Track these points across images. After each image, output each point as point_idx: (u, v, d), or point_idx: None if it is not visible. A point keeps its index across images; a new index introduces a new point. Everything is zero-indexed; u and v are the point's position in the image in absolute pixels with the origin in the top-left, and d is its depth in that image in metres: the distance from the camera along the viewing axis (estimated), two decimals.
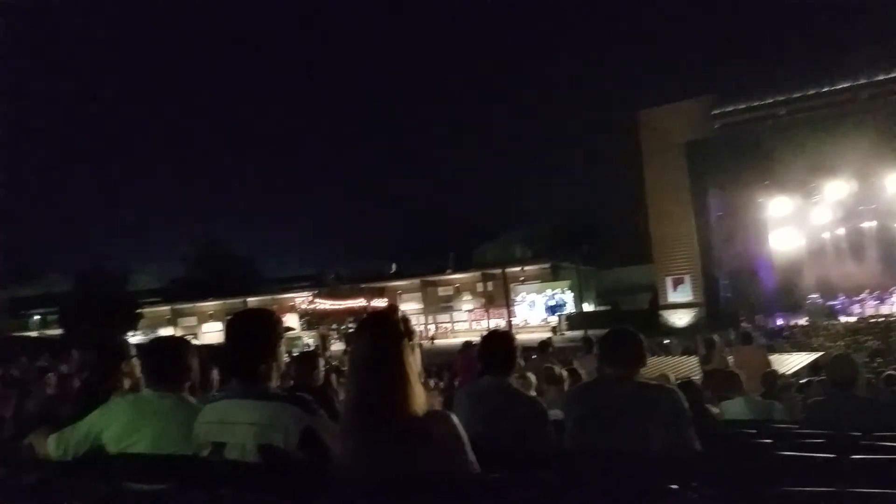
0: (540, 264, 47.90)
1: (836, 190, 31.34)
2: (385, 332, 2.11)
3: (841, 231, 34.34)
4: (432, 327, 48.11)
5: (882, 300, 30.19)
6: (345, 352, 26.26)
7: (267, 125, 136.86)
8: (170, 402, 2.89)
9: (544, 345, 12.06)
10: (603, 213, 60.61)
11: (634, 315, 39.37)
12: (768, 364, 10.30)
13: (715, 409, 6.42)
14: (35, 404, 8.02)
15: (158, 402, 2.89)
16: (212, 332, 48.45)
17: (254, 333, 2.61)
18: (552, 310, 44.69)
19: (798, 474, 2.68)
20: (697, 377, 10.55)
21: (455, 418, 2.10)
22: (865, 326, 26.96)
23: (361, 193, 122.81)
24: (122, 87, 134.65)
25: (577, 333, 31.71)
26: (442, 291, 51.12)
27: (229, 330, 2.63)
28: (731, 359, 11.11)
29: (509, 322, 41.59)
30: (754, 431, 4.51)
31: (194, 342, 3.81)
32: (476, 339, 7.40)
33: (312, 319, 44.21)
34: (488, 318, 45.45)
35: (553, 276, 46.84)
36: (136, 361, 3.76)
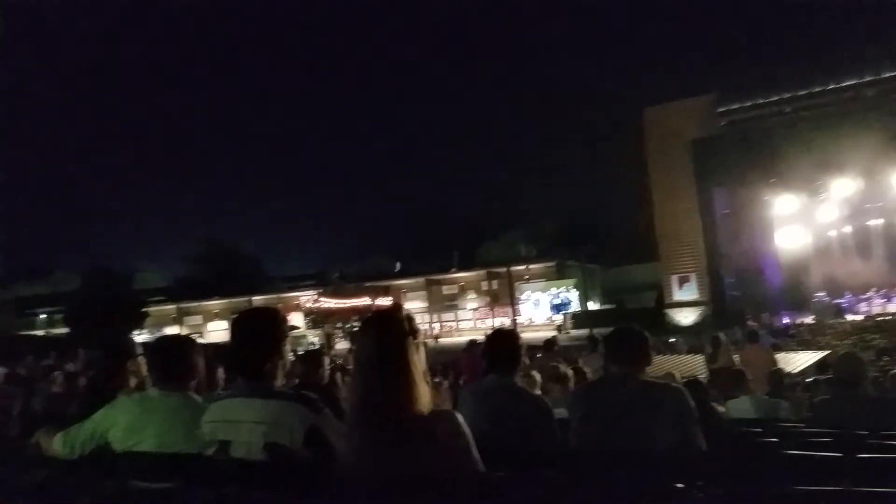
0: (545, 262, 47.83)
1: (843, 188, 31.22)
2: (390, 330, 2.11)
3: (847, 229, 34.23)
4: (437, 326, 48.09)
5: (889, 298, 30.10)
6: (349, 350, 26.27)
7: (271, 124, 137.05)
8: (175, 401, 2.90)
9: (549, 343, 12.07)
10: (608, 212, 60.66)
11: (640, 313, 39.33)
12: (774, 363, 10.27)
13: (721, 408, 6.42)
14: (41, 403, 8.05)
15: (164, 400, 2.90)
16: (217, 331, 48.52)
17: (259, 332, 2.62)
18: (557, 308, 44.61)
19: (804, 473, 2.68)
20: (703, 376, 10.54)
21: (460, 417, 2.10)
22: (872, 325, 26.86)
23: (366, 192, 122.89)
24: (128, 86, 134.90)
25: (583, 332, 31.71)
26: (447, 290, 51.10)
27: (234, 329, 2.63)
28: (736, 357, 11.10)
29: (514, 320, 41.58)
30: (760, 430, 4.49)
31: (200, 341, 3.81)
32: (481, 337, 7.40)
33: (317, 318, 44.20)
34: (493, 317, 45.43)
35: (558, 274, 46.77)
36: (141, 360, 3.78)
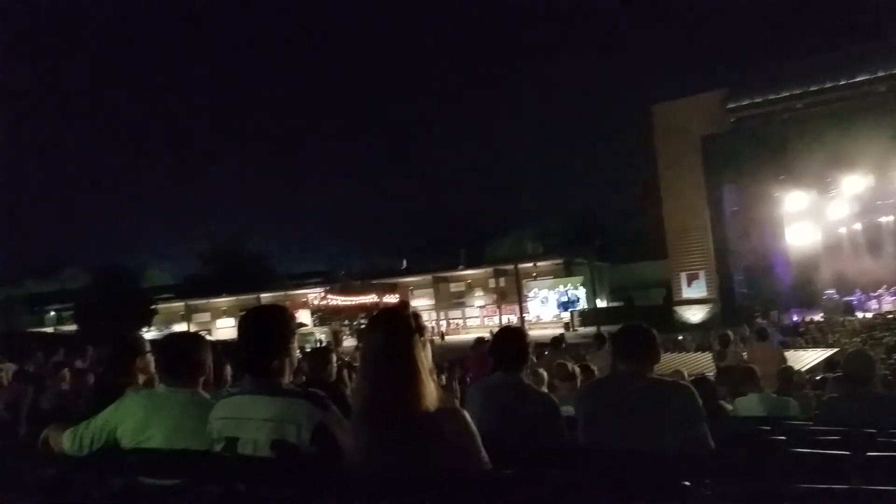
0: (553, 260, 47.76)
1: (853, 184, 31.10)
2: (396, 328, 2.11)
3: (858, 226, 34.14)
4: (444, 323, 48.11)
5: None
6: (356, 348, 26.35)
7: (279, 123, 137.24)
8: (184, 398, 2.90)
9: (557, 341, 12.07)
10: (616, 209, 60.46)
11: (648, 311, 39.24)
12: (784, 360, 10.23)
13: (728, 406, 6.40)
14: (50, 400, 8.07)
15: (172, 397, 2.90)
16: (226, 328, 48.66)
17: (266, 329, 2.62)
18: (565, 306, 44.57)
19: (813, 471, 2.67)
20: (711, 374, 10.51)
21: (466, 414, 2.10)
22: (882, 322, 26.74)
23: (374, 190, 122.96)
24: (136, 84, 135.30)
25: (590, 330, 31.70)
26: (454, 287, 51.13)
27: (242, 326, 2.63)
28: (745, 355, 11.06)
29: (521, 318, 41.54)
30: (768, 428, 4.48)
31: (208, 338, 3.82)
32: (488, 335, 7.38)
33: (324, 315, 44.32)
34: (500, 315, 45.44)
35: (566, 271, 46.71)
36: (150, 357, 3.78)
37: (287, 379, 2.60)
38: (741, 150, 33.29)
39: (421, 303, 47.79)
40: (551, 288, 45.61)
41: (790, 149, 31.40)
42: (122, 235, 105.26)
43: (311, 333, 40.86)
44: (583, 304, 44.50)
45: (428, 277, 51.16)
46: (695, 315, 36.36)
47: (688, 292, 37.23)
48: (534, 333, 4.95)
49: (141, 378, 3.74)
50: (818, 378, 10.97)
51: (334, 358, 5.51)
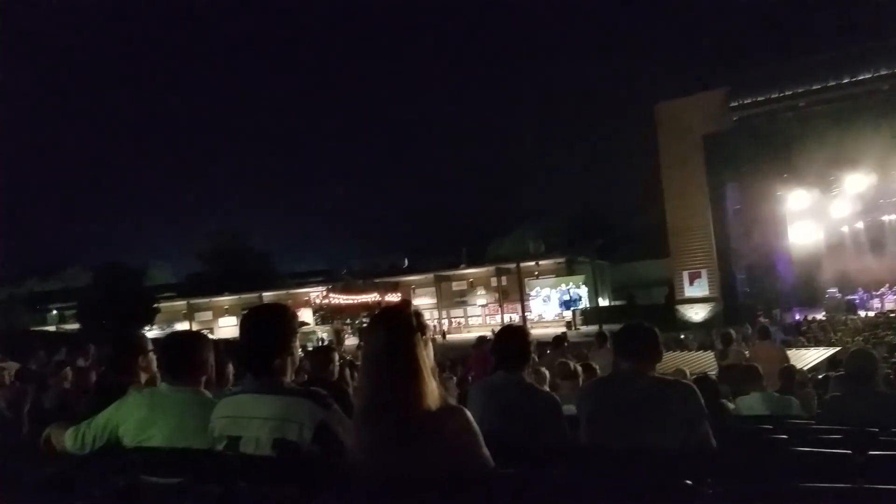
0: (555, 259, 47.77)
1: (856, 183, 31.07)
2: (398, 326, 2.11)
3: (860, 224, 34.11)
4: (446, 322, 48.12)
5: None
6: (358, 346, 26.35)
7: (282, 121, 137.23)
8: (186, 397, 2.90)
9: (559, 340, 12.05)
10: (619, 207, 60.48)
11: (650, 310, 39.23)
12: (786, 359, 10.21)
13: (731, 405, 6.39)
14: (52, 398, 8.07)
15: (174, 396, 2.90)
16: (228, 327, 48.68)
17: (268, 328, 2.62)
18: (567, 304, 44.59)
19: (815, 470, 2.67)
20: (713, 372, 10.50)
21: (468, 413, 2.10)
22: (885, 321, 26.71)
23: (376, 188, 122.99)
24: (141, 83, 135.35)
25: (593, 328, 31.69)
26: (456, 286, 51.12)
27: (244, 325, 2.63)
28: (747, 354, 11.04)
29: (523, 317, 41.55)
30: (770, 427, 4.48)
31: (210, 337, 3.81)
32: (490, 333, 7.38)
33: (326, 314, 44.35)
34: (502, 313, 45.44)
35: (568, 270, 46.73)
36: (152, 356, 3.78)
37: (289, 378, 2.60)
38: (743, 149, 33.22)
39: (423, 301, 47.80)
40: (553, 287, 45.64)
41: (793, 147, 31.35)
42: (123, 234, 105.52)
43: (313, 332, 40.86)
44: (585, 303, 44.51)
45: (430, 276, 51.16)
46: (697, 314, 36.32)
47: (690, 291, 37.18)
48: (536, 332, 4.95)
49: (143, 377, 3.74)
50: (820, 377, 10.96)
51: (336, 357, 5.50)
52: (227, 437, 2.49)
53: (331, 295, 44.71)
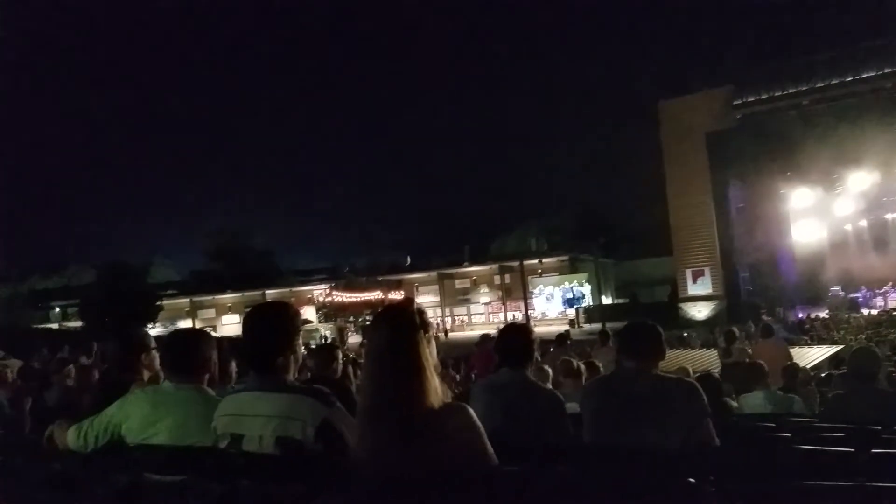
0: (558, 256, 47.76)
1: (860, 181, 31.02)
2: (401, 324, 2.11)
3: (863, 223, 34.06)
4: (449, 320, 48.12)
5: None
6: (361, 344, 26.40)
7: (285, 119, 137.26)
8: (189, 395, 2.90)
9: (562, 338, 12.06)
10: (622, 205, 60.35)
11: (653, 308, 39.22)
12: (789, 357, 10.21)
13: (734, 403, 6.39)
14: (55, 396, 8.10)
15: (177, 394, 2.90)
16: (231, 325, 48.74)
17: (271, 326, 2.61)
18: (570, 302, 44.57)
19: (817, 468, 2.67)
20: (716, 370, 10.50)
21: (472, 411, 2.10)
22: (888, 319, 26.69)
23: (379, 186, 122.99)
24: (144, 81, 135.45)
25: (596, 326, 31.68)
26: (459, 284, 51.12)
27: (247, 323, 2.63)
28: (750, 352, 11.04)
29: (527, 315, 41.55)
30: (773, 425, 4.47)
31: (214, 334, 3.81)
32: (494, 331, 7.38)
33: (329, 312, 44.42)
34: (505, 311, 45.43)
35: (571, 268, 46.70)
36: (155, 354, 3.79)
37: (292, 376, 2.60)
38: (747, 147, 33.16)
39: (426, 299, 47.81)
40: (556, 284, 45.62)
41: (796, 145, 31.27)
42: (126, 232, 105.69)
43: (316, 330, 40.88)
44: (588, 301, 44.49)
45: (433, 274, 51.15)
46: (700, 312, 36.30)
47: (693, 289, 37.16)
48: (539, 330, 4.94)
49: (146, 375, 3.74)
50: (823, 375, 10.94)
51: (340, 355, 5.51)
52: (230, 435, 2.49)
53: (334, 293, 44.79)
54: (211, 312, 55.61)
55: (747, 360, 9.54)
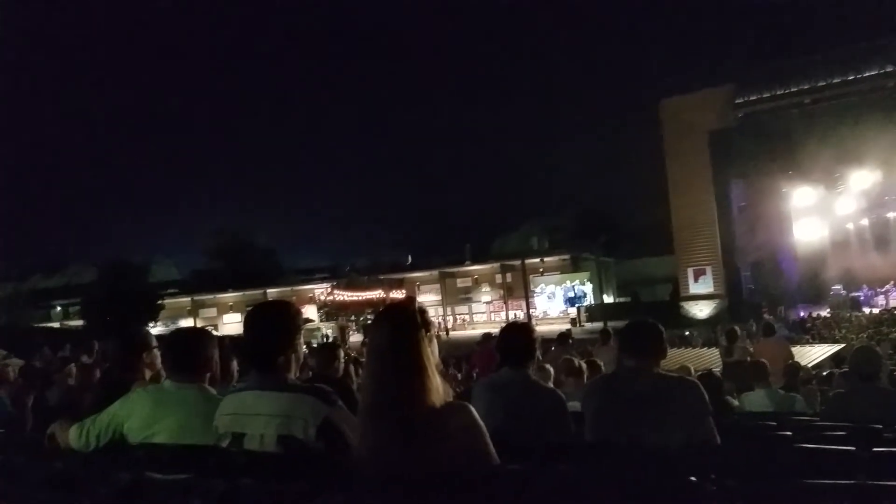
0: (559, 255, 47.69)
1: (861, 180, 31.03)
2: (402, 323, 2.11)
3: (865, 221, 34.04)
4: (450, 319, 48.10)
5: None
6: (363, 343, 26.42)
7: (286, 118, 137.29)
8: (190, 394, 2.90)
9: (563, 337, 12.05)
10: (624, 204, 60.45)
11: (655, 306, 39.22)
12: (791, 356, 10.21)
13: (735, 402, 6.39)
14: (57, 395, 8.11)
15: (179, 393, 2.90)
16: (232, 324, 48.74)
17: (273, 325, 2.61)
18: (572, 301, 44.53)
19: (818, 467, 2.66)
20: (717, 369, 10.49)
21: (473, 410, 2.10)
22: (889, 318, 26.69)
23: (380, 185, 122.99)
24: (146, 79, 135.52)
25: (597, 325, 31.66)
26: (460, 283, 51.09)
27: (248, 321, 2.63)
28: (752, 350, 11.04)
29: (528, 314, 41.54)
30: (774, 424, 4.47)
31: (215, 333, 3.81)
32: (495, 330, 7.38)
33: (331, 311, 44.38)
34: (507, 310, 45.43)
35: (573, 267, 46.65)
36: (157, 352, 3.79)
37: (293, 374, 2.60)
38: (749, 146, 33.17)
39: (427, 298, 47.78)
40: (558, 283, 45.57)
41: (798, 144, 31.27)
42: (127, 231, 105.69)
43: (318, 329, 40.87)
44: (589, 300, 44.44)
45: (434, 273, 51.08)
46: (701, 310, 36.31)
47: (694, 288, 37.16)
48: (540, 329, 4.95)
49: (147, 374, 3.74)
50: (825, 374, 10.94)
51: (341, 354, 5.52)
52: (231, 433, 2.49)
53: (335, 292, 44.74)
54: (212, 311, 55.61)
55: (749, 358, 9.55)
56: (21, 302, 52.17)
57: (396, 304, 2.26)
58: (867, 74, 32.22)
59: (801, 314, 31.19)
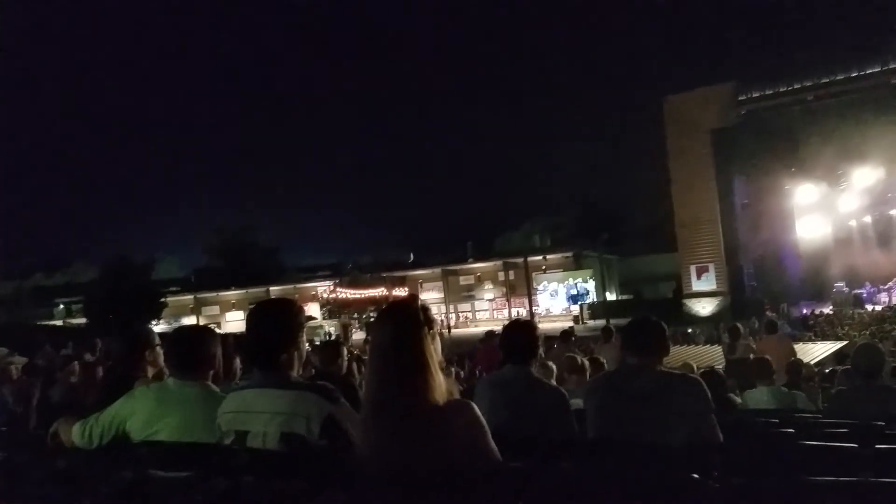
0: (562, 253, 47.67)
1: (864, 177, 30.99)
2: (405, 321, 2.11)
3: (868, 219, 33.99)
4: (453, 316, 48.11)
5: None
6: (365, 341, 26.42)
7: (288, 116, 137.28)
8: (193, 391, 2.90)
9: (566, 334, 12.04)
10: (626, 201, 60.44)
11: (658, 304, 39.21)
12: (793, 353, 10.21)
13: (737, 399, 6.38)
14: (59, 393, 8.11)
15: (182, 390, 2.90)
16: (235, 321, 48.79)
17: (275, 323, 2.61)
18: (574, 299, 44.54)
19: (821, 464, 2.66)
20: (720, 366, 10.49)
21: (476, 407, 2.10)
22: (892, 315, 26.67)
23: (383, 182, 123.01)
24: (149, 78, 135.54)
25: (600, 323, 31.63)
26: (463, 280, 51.09)
27: (251, 320, 2.63)
28: (755, 347, 11.04)
29: (531, 311, 41.52)
30: (777, 421, 4.47)
31: (218, 331, 3.82)
32: (498, 328, 7.38)
33: (334, 308, 44.40)
34: (510, 308, 45.41)
35: (575, 264, 46.64)
36: (159, 350, 3.79)
37: (296, 372, 2.60)
38: (751, 143, 33.13)
39: (430, 296, 47.76)
40: (561, 281, 45.58)
41: (800, 141, 31.24)
42: (130, 229, 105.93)
43: (321, 327, 40.90)
44: (592, 297, 44.42)
45: (437, 270, 51.13)
46: (704, 308, 36.28)
47: (697, 285, 37.13)
48: (543, 326, 4.95)
49: (150, 371, 3.75)
50: (827, 371, 10.94)
51: (344, 351, 5.51)
52: (234, 431, 2.49)
53: (338, 289, 44.77)
54: (215, 309, 55.68)
55: (751, 356, 9.54)
56: (24, 300, 52.28)
57: (399, 302, 2.26)
58: (870, 71, 32.14)
59: (804, 311, 31.16)
